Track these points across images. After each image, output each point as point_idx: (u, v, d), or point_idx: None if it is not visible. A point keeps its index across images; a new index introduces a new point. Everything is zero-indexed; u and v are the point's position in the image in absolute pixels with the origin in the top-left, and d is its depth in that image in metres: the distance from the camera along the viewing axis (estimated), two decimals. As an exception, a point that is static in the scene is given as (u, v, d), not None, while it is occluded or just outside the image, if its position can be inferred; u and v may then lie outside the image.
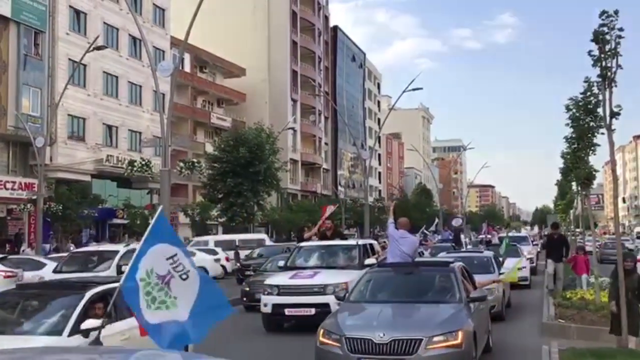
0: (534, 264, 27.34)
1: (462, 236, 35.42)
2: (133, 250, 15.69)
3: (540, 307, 15.09)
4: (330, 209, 19.11)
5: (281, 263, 15.64)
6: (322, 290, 12.51)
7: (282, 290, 12.91)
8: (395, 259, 10.82)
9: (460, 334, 7.59)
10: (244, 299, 16.61)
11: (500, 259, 17.50)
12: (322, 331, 8.10)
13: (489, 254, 17.00)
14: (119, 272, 15.02)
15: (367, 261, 13.47)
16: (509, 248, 21.56)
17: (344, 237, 17.86)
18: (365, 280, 9.57)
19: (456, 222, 45.73)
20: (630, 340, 9.93)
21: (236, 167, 37.62)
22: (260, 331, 13.00)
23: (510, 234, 32.63)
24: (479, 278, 11.54)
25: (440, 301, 8.66)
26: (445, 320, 7.82)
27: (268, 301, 12.88)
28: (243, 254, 28.21)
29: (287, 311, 12.71)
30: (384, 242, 23.99)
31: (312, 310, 12.32)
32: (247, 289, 16.69)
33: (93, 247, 22.56)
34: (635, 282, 9.96)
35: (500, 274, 14.97)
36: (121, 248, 17.48)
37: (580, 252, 18.12)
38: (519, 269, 16.85)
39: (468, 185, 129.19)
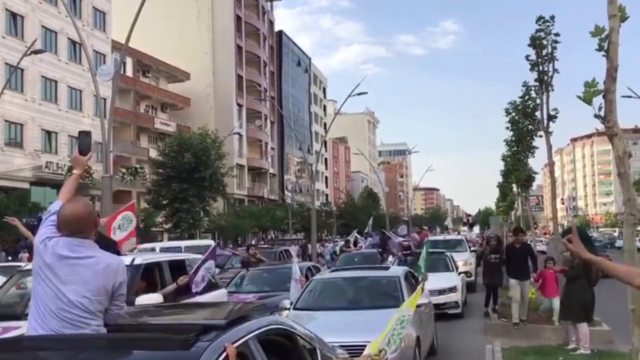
0: (472, 277, 20.44)
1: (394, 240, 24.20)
2: None
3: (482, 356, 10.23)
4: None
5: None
6: None
7: None
8: (48, 323, 3.17)
9: None
10: None
11: (419, 276, 10.38)
12: None
13: (397, 271, 10.33)
14: None
15: (142, 298, 7.20)
16: (428, 259, 11.05)
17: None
18: None
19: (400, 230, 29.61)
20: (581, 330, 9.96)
21: (181, 172, 37.09)
22: None
23: (433, 238, 24.39)
24: (372, 318, 7.61)
25: None
26: None
27: None
28: None
29: None
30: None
31: None
32: None
33: None
34: (568, 262, 10.41)
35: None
36: None
37: (550, 263, 12.30)
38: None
39: (413, 188, 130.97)
